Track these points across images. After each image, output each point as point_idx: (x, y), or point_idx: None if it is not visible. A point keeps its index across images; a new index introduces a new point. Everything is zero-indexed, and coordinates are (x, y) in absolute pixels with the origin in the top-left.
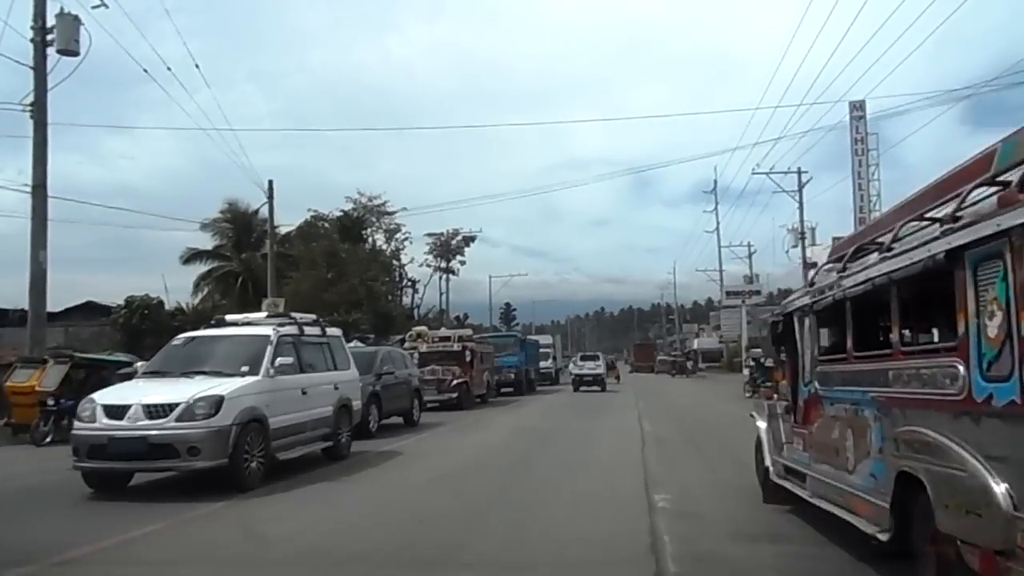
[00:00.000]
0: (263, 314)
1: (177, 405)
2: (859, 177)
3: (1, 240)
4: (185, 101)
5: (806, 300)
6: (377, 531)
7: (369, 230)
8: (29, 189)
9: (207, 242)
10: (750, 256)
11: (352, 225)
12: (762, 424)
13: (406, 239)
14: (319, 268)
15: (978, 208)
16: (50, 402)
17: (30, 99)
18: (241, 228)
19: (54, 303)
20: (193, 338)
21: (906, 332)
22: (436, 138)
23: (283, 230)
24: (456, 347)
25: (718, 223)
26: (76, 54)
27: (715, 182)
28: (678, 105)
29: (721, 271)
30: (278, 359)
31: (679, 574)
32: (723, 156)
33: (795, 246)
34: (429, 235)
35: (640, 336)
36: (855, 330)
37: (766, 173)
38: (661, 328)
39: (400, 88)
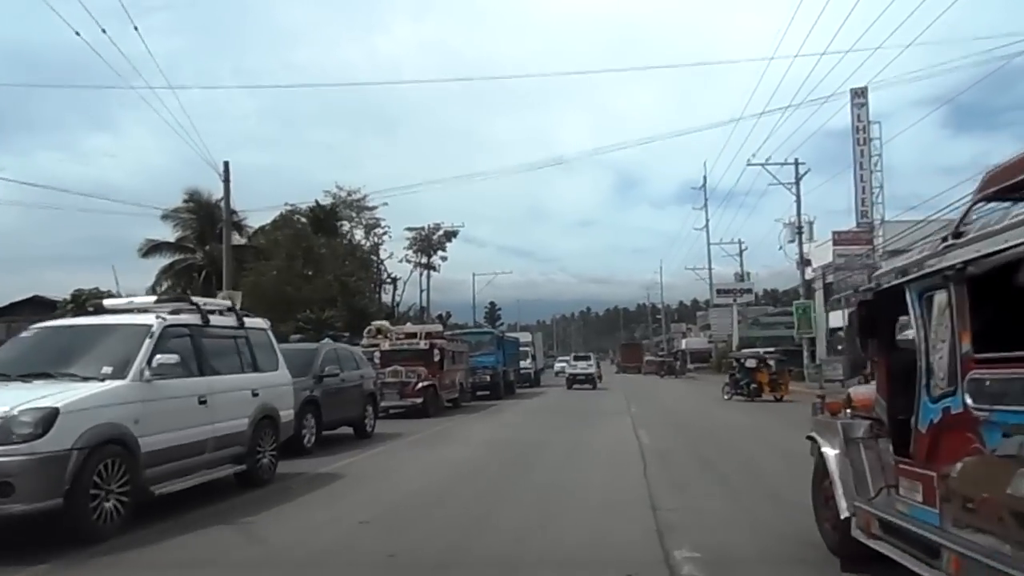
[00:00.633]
0: (151, 298)
1: None
2: (860, 168)
3: None
4: (166, 97)
5: (947, 262)
6: None
7: (349, 226)
8: None
9: (169, 234)
10: (741, 254)
11: (325, 216)
12: (832, 452)
13: (385, 233)
14: (294, 261)
15: None
16: None
17: None
18: (204, 219)
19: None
20: (47, 329)
21: None
22: (423, 137)
23: (257, 223)
24: (423, 345)
25: (707, 220)
26: None
27: (704, 178)
28: (665, 105)
29: (710, 269)
30: (158, 357)
31: None
32: (711, 155)
33: (792, 241)
34: (409, 229)
35: (626, 336)
36: None
37: (762, 164)
38: (647, 328)
39: (387, 87)
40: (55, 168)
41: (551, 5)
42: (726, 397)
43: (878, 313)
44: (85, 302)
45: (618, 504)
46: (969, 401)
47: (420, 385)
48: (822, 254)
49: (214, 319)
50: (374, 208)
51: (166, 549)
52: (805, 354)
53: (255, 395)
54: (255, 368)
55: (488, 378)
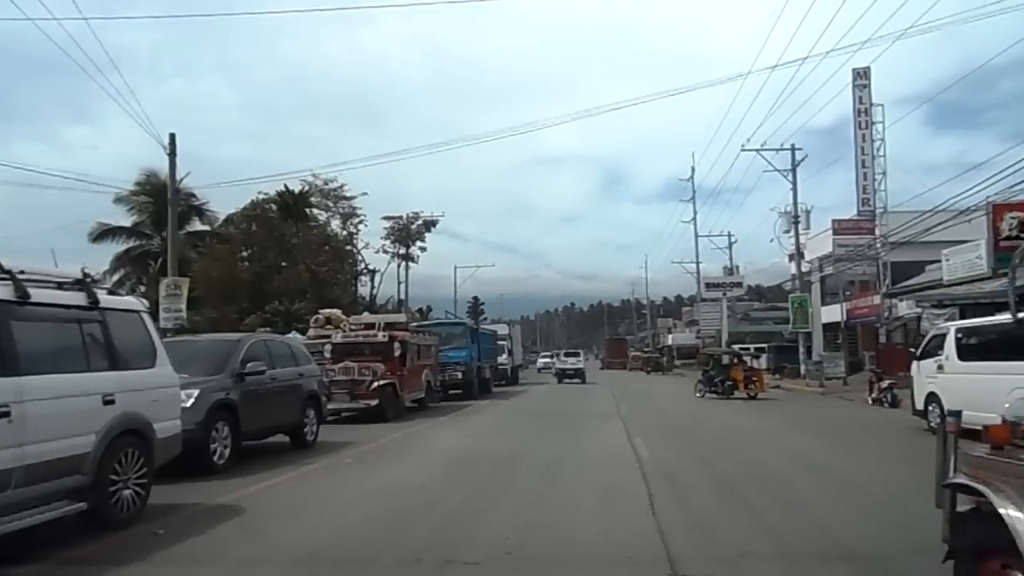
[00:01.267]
0: None
1: None
2: (862, 153)
3: None
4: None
5: None
6: None
7: (325, 216)
8: None
9: (124, 218)
10: (730, 246)
11: (295, 201)
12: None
13: (361, 222)
14: (266, 251)
15: None
16: None
17: None
18: (162, 202)
19: None
20: None
21: None
22: (408, 133)
23: (228, 211)
24: (381, 338)
25: (695, 212)
26: None
27: (692, 169)
28: (650, 102)
29: (698, 263)
30: None
31: None
32: (695, 153)
33: (787, 231)
34: (386, 219)
35: (610, 331)
36: None
37: (756, 150)
38: (631, 324)
39: (371, 81)
40: (36, 160)
41: (536, 1)
42: (698, 395)
43: None
44: None
45: (621, 565)
46: None
47: (376, 384)
48: (816, 246)
49: (40, 293)
50: (352, 198)
51: None
52: (801, 350)
53: (109, 402)
54: (113, 364)
55: (460, 375)
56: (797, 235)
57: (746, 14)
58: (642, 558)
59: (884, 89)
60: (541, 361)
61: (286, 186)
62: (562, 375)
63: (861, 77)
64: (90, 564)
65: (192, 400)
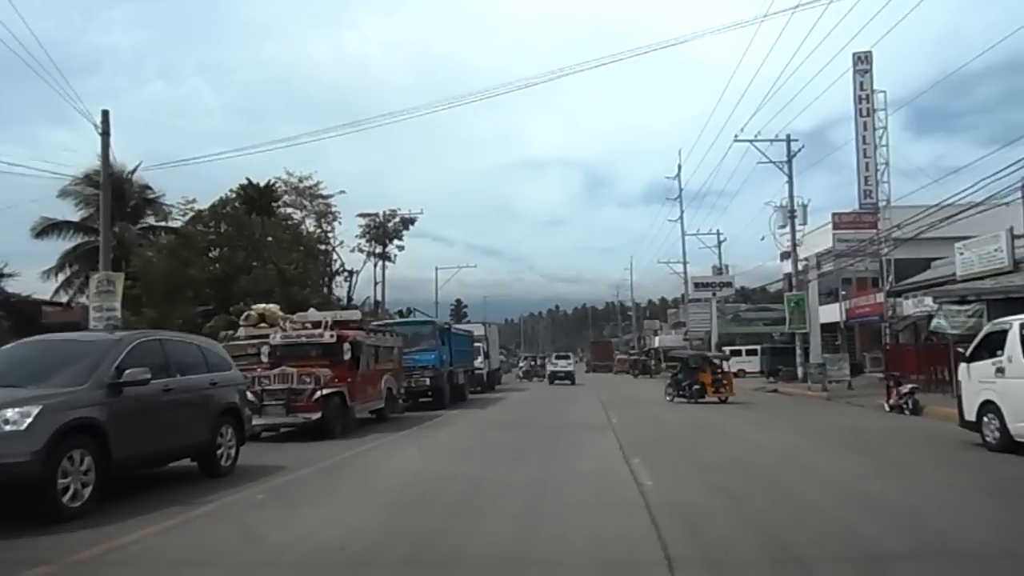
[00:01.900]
0: None
1: None
2: (864, 142)
3: None
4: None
5: None
6: None
7: (301, 214)
8: None
9: (72, 212)
10: (719, 245)
11: (259, 195)
12: None
13: (335, 219)
14: (235, 252)
15: None
16: None
17: None
18: (114, 195)
19: None
20: None
21: None
22: (391, 136)
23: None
24: (328, 337)
25: (682, 211)
26: None
27: (679, 167)
28: (633, 105)
29: (685, 263)
30: None
31: None
32: (676, 157)
33: (783, 226)
34: (362, 216)
35: (594, 334)
36: None
37: (750, 140)
38: (616, 326)
39: (354, 84)
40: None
41: (519, 4)
42: (668, 399)
43: None
44: None
45: None
46: None
47: (320, 394)
48: (812, 243)
49: None
50: (329, 196)
51: None
52: (798, 351)
53: None
54: None
55: (428, 381)
56: (793, 229)
57: (730, 17)
58: None
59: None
60: (523, 364)
61: (249, 179)
62: (553, 376)
63: (862, 62)
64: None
65: (28, 421)
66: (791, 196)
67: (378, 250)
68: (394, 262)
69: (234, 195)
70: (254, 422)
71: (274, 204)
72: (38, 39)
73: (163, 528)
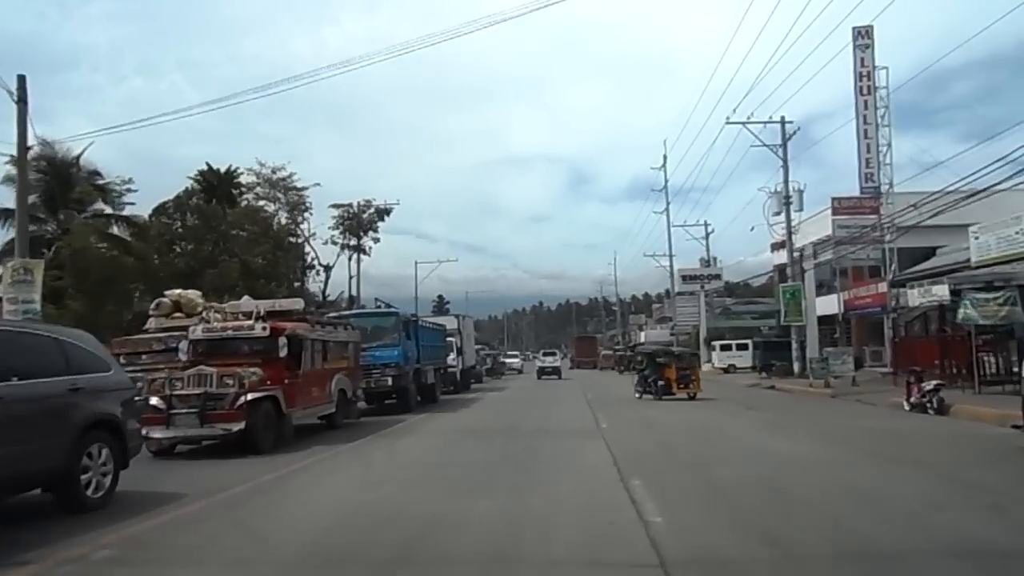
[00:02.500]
0: None
1: None
2: (865, 122)
3: None
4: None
5: None
6: None
7: (274, 207)
8: None
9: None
10: (707, 237)
11: (219, 182)
12: None
13: (307, 210)
14: (202, 245)
15: None
16: None
17: None
18: (60, 180)
19: None
20: None
21: None
22: (374, 133)
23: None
24: (260, 331)
25: (668, 202)
26: None
27: (664, 157)
28: (615, 102)
29: (671, 256)
30: None
31: None
32: (661, 153)
33: (778, 212)
34: (335, 207)
35: (578, 330)
36: None
37: (742, 123)
38: (600, 322)
39: (336, 81)
40: None
41: (501, 1)
42: (636, 395)
43: None
44: None
45: None
46: None
47: (244, 399)
48: (807, 231)
49: None
50: (303, 189)
51: None
52: (794, 345)
53: None
54: None
55: (390, 381)
56: (788, 216)
57: (709, 16)
58: None
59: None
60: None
61: (208, 164)
62: (541, 371)
63: (862, 37)
64: None
65: None
66: (786, 181)
67: (352, 242)
68: (369, 255)
69: (192, 181)
70: (159, 435)
71: (236, 192)
72: None
73: None
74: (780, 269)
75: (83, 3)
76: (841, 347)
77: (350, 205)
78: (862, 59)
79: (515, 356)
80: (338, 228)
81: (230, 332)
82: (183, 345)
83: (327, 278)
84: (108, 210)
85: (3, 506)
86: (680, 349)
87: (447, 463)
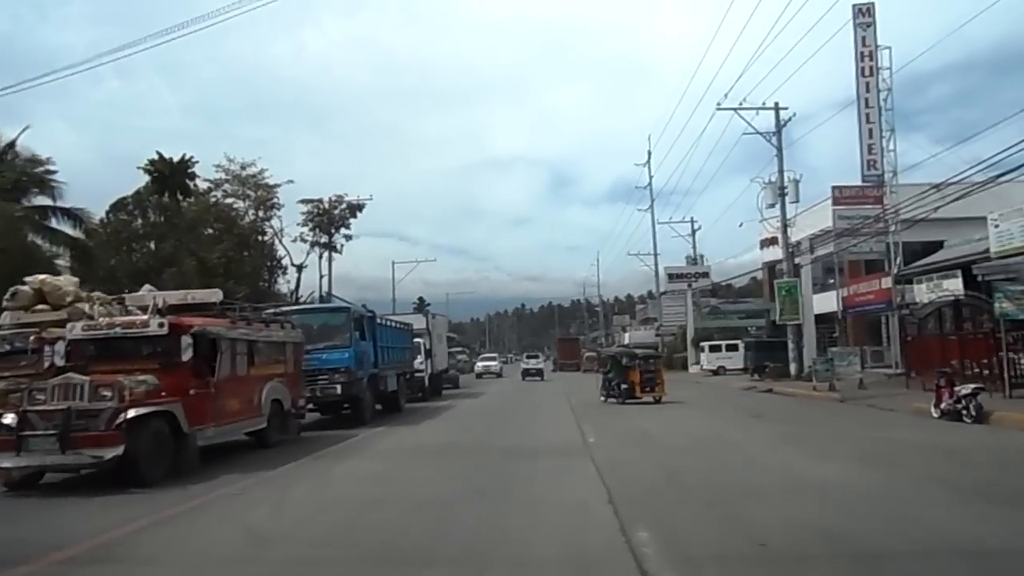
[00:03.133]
0: None
1: None
2: (866, 106)
3: None
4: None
5: None
6: None
7: (244, 205)
8: None
9: None
10: (693, 234)
11: (171, 172)
12: None
13: (274, 207)
14: (163, 242)
15: None
16: None
17: None
18: None
19: None
20: None
21: None
22: (356, 136)
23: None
24: (156, 327)
25: (652, 200)
26: None
27: (649, 153)
28: (597, 105)
29: (656, 255)
30: None
31: None
32: (642, 152)
33: (772, 204)
34: (304, 202)
35: (561, 332)
36: None
37: (734, 109)
38: (583, 324)
39: (316, 83)
40: None
41: (483, 4)
42: (602, 399)
43: None
44: None
45: None
46: None
47: (123, 417)
48: (803, 224)
49: None
50: (276, 186)
51: None
52: (790, 345)
53: None
54: None
55: (339, 389)
56: (784, 207)
57: (689, 20)
58: None
59: (821, 93)
60: (480, 365)
61: (159, 153)
62: (525, 373)
63: (863, 15)
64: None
65: None
66: (780, 171)
67: (323, 240)
68: (340, 252)
69: (142, 171)
70: (8, 464)
71: (191, 183)
72: None
73: None
74: (771, 266)
75: (60, 4)
76: (845, 347)
77: (320, 200)
78: (863, 38)
79: (492, 359)
80: (307, 225)
81: (118, 331)
82: (58, 348)
83: (299, 278)
84: (49, 202)
85: None
86: (645, 351)
87: (385, 502)
